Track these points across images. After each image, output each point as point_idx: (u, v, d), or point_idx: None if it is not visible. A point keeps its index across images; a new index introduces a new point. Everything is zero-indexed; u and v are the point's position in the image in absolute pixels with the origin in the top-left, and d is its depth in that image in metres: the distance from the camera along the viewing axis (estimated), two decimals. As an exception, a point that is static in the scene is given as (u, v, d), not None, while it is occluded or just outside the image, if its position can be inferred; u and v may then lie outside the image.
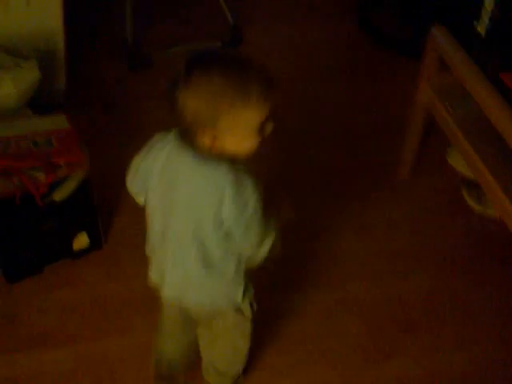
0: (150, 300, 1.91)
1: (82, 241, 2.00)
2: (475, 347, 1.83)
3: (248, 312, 1.43)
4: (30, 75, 2.15)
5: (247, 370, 1.71)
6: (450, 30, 1.96)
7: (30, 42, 2.35)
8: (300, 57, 2.95)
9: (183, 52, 2.91)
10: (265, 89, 1.16)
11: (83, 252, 2.03)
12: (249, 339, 1.51)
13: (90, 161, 1.91)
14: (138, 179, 1.35)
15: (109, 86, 2.75)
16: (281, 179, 2.13)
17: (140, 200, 1.40)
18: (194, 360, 1.63)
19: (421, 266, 2.04)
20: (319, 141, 2.48)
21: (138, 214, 2.19)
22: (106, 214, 2.15)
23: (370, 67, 2.91)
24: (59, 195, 1.84)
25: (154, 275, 1.43)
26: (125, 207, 2.22)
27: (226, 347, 1.54)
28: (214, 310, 1.43)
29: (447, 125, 1.99)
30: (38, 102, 2.29)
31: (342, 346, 1.83)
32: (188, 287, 1.36)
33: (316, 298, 1.94)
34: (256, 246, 1.31)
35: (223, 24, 2.98)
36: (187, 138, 1.21)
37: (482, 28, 1.94)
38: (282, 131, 2.35)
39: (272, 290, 1.89)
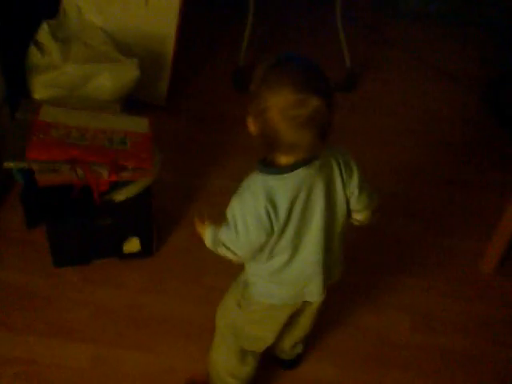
0: (183, 323, 1.89)
1: (133, 245, 2.00)
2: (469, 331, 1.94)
3: None
4: (129, 73, 2.20)
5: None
6: None
7: (142, 41, 2.41)
8: (409, 116, 2.81)
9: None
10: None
11: (132, 256, 2.03)
12: None
13: (161, 168, 1.90)
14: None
15: (209, 101, 2.76)
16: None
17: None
18: None
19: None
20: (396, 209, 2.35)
21: (195, 231, 2.17)
22: (164, 223, 2.14)
23: (487, 145, 2.70)
24: (118, 197, 1.84)
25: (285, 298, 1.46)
26: (183, 221, 2.20)
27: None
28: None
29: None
30: (140, 100, 2.35)
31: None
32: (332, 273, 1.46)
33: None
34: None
35: (339, 66, 2.92)
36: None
37: None
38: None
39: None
